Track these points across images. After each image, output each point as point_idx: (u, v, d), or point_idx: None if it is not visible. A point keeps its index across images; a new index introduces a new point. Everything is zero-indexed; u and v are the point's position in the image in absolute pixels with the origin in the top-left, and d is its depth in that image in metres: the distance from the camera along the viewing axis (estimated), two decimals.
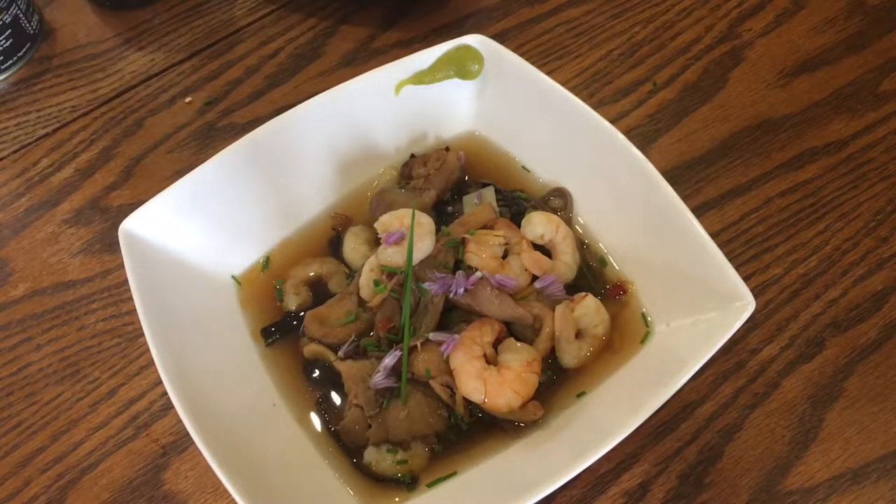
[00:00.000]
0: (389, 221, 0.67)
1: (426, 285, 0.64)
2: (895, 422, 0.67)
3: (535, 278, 0.68)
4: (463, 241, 0.67)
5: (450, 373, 0.62)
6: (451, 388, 0.62)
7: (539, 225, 0.69)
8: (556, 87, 0.70)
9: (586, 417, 0.62)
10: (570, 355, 0.65)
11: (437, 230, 0.68)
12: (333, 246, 0.74)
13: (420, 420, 0.61)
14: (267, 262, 0.73)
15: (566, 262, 0.69)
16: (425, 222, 0.66)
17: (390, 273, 0.66)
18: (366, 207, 0.74)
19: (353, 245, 0.72)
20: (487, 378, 0.61)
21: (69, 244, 0.80)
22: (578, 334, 0.66)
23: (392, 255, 0.65)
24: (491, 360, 0.63)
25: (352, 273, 0.71)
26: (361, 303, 0.68)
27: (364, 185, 0.77)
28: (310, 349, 0.66)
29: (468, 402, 0.62)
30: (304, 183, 0.74)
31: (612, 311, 0.68)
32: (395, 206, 0.69)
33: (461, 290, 0.64)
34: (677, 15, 0.95)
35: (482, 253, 0.66)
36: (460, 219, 0.69)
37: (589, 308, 0.65)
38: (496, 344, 0.64)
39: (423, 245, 0.65)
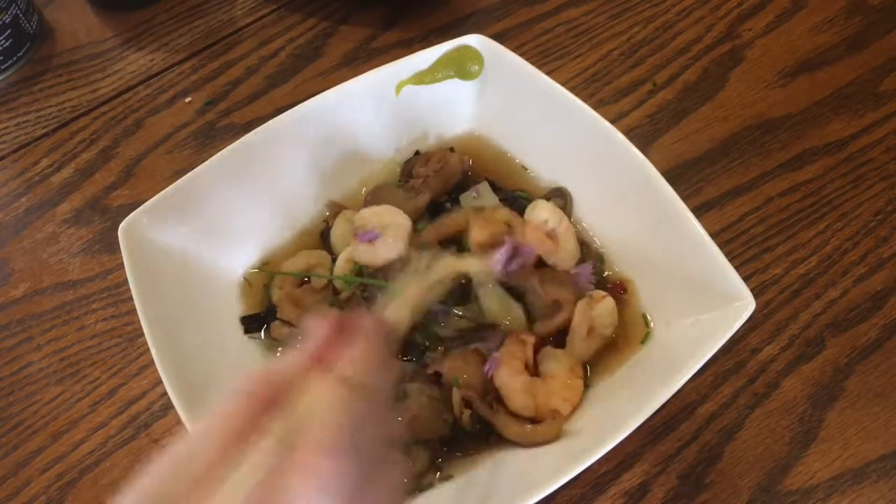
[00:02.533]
0: (368, 217, 0.66)
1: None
2: (895, 422, 0.67)
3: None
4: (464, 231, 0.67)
5: (477, 387, 0.62)
6: (469, 403, 0.62)
7: (545, 210, 0.69)
8: (556, 87, 0.70)
9: (586, 417, 0.62)
10: (580, 351, 0.65)
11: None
12: (325, 238, 0.74)
13: (424, 424, 0.61)
14: (267, 262, 0.73)
15: (568, 249, 0.69)
16: (402, 223, 0.66)
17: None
18: None
19: (341, 230, 0.72)
20: (535, 391, 0.61)
21: (69, 244, 0.80)
22: (589, 331, 0.66)
23: (363, 253, 0.65)
24: (531, 371, 0.63)
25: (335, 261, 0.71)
26: (337, 292, 0.68)
27: (365, 184, 0.77)
28: None
29: (475, 415, 0.62)
30: (304, 183, 0.74)
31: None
32: (389, 204, 0.69)
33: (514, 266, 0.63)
34: (677, 15, 0.95)
35: (487, 230, 0.65)
36: (433, 224, 0.68)
37: (606, 309, 0.65)
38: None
39: (396, 246, 0.65)
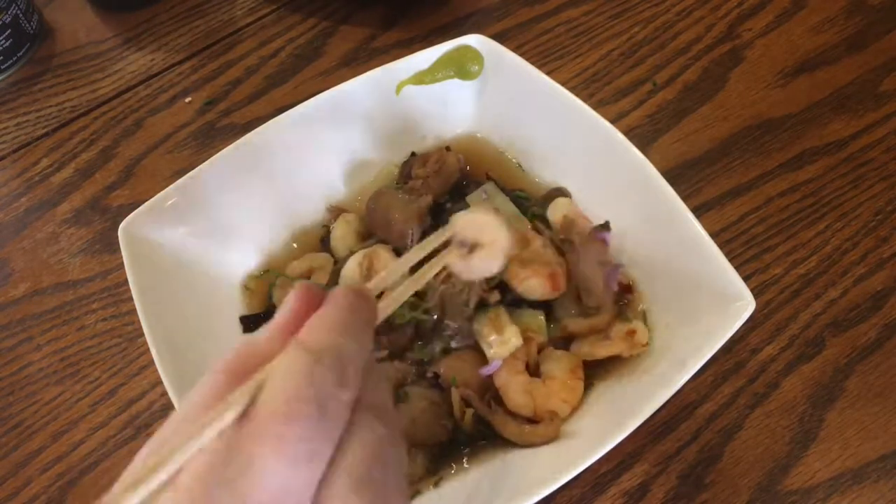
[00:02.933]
0: (466, 224, 0.58)
1: None
2: (895, 422, 0.67)
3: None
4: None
5: (475, 385, 0.62)
6: (468, 402, 0.62)
7: (568, 205, 0.69)
8: (556, 87, 0.70)
9: (587, 417, 0.62)
10: (586, 354, 0.65)
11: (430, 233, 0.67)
12: (325, 242, 0.73)
13: (423, 428, 0.61)
14: (267, 262, 0.72)
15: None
16: (502, 241, 0.57)
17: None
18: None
19: (341, 233, 0.71)
20: (534, 391, 0.61)
21: (69, 244, 0.80)
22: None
23: (457, 264, 0.56)
24: (532, 371, 0.63)
25: (337, 264, 0.70)
26: None
27: (364, 185, 0.77)
28: None
29: (477, 418, 0.62)
30: (305, 183, 0.74)
31: (614, 310, 0.68)
32: (392, 209, 0.69)
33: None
34: (677, 15, 0.95)
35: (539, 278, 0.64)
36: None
37: (641, 340, 0.65)
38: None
39: (494, 263, 0.57)
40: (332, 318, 0.33)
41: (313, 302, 0.34)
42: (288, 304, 0.34)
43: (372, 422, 0.32)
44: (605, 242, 0.66)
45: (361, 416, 0.31)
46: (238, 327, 0.69)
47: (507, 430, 0.61)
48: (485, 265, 0.56)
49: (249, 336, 0.33)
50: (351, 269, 0.67)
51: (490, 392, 0.63)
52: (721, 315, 0.60)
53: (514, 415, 0.62)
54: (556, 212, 0.70)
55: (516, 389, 0.61)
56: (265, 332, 0.33)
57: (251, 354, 0.32)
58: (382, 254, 0.67)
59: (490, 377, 0.63)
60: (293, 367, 0.30)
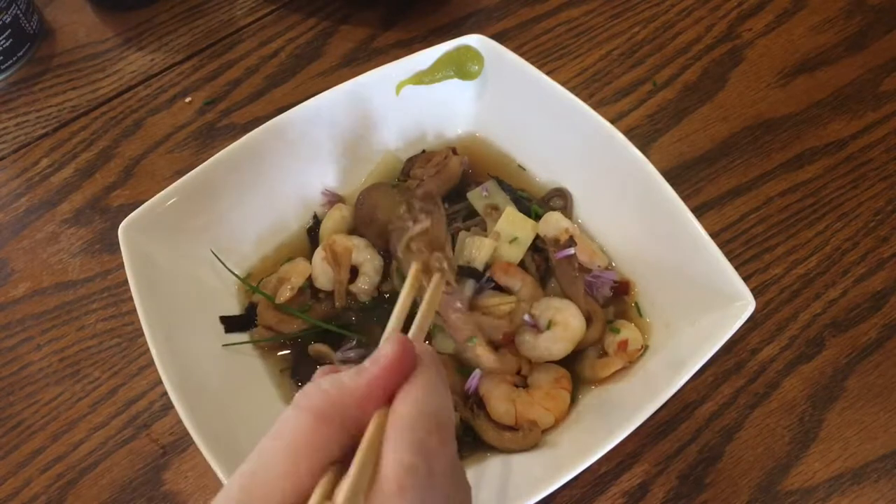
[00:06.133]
0: (544, 307, 0.64)
1: None
2: (895, 422, 0.67)
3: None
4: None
5: (457, 390, 0.63)
6: (454, 406, 0.62)
7: (561, 219, 0.69)
8: (556, 87, 0.70)
9: (586, 418, 0.62)
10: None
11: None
12: (313, 232, 0.74)
13: None
14: (267, 263, 0.72)
15: (593, 247, 0.70)
16: (576, 325, 0.64)
17: None
18: None
19: (332, 225, 0.71)
20: (517, 399, 0.61)
21: (69, 244, 0.80)
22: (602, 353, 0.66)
23: (525, 344, 0.63)
24: (520, 382, 0.64)
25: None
26: (316, 292, 0.69)
27: (364, 185, 0.77)
28: (314, 348, 0.67)
29: (463, 422, 0.62)
30: (305, 182, 0.74)
31: (614, 311, 0.68)
32: (378, 209, 0.69)
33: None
34: (677, 15, 0.95)
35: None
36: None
37: (632, 336, 0.65)
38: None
39: (562, 346, 0.63)
40: (431, 388, 0.35)
41: (406, 357, 0.36)
42: (382, 360, 0.35)
43: (465, 482, 0.38)
44: (569, 257, 0.67)
45: (458, 477, 0.37)
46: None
47: (488, 436, 0.61)
48: (551, 346, 0.62)
49: (338, 379, 0.35)
50: (317, 264, 0.68)
51: (472, 397, 0.63)
52: (721, 315, 0.60)
53: (495, 422, 0.62)
54: (548, 226, 0.70)
55: (498, 398, 0.62)
56: (358, 379, 0.35)
57: (341, 402, 0.34)
58: (339, 240, 0.68)
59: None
60: (408, 445, 0.33)
